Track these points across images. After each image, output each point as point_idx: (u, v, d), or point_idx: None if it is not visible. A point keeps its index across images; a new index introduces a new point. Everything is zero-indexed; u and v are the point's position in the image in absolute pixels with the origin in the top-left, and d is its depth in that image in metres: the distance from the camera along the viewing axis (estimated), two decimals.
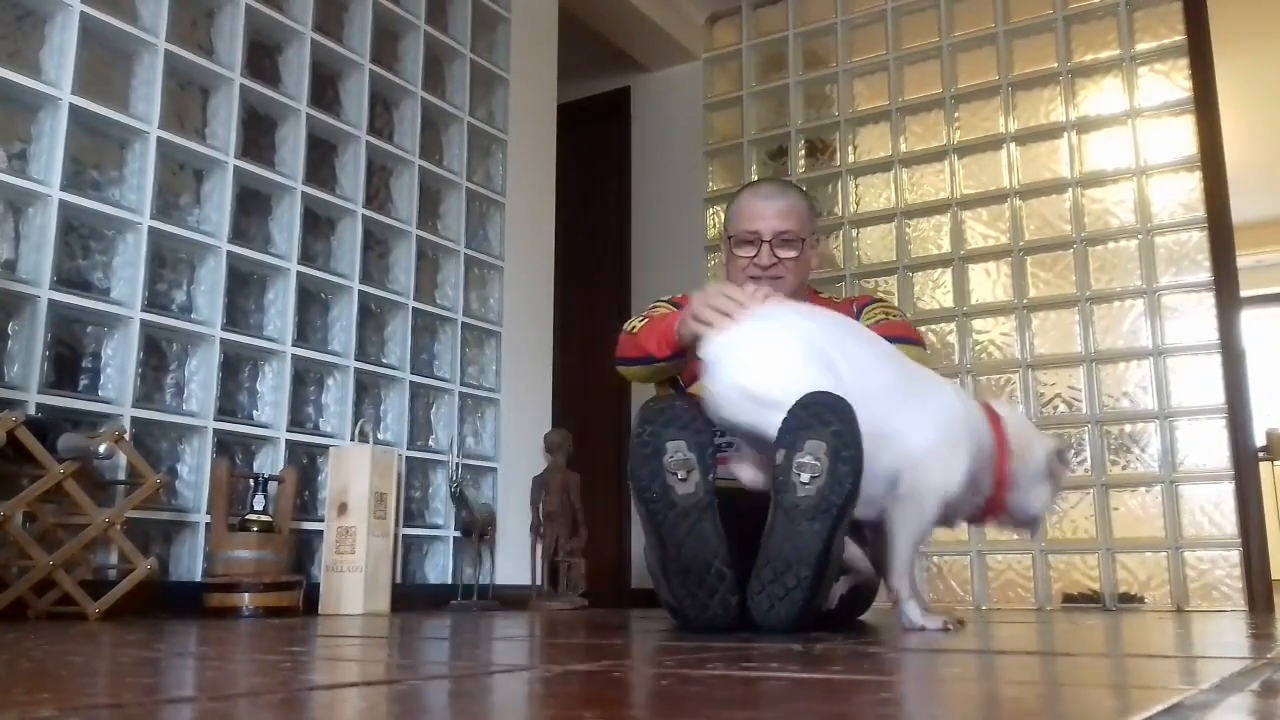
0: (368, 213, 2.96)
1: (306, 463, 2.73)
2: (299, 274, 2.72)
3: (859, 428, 1.51)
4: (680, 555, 1.52)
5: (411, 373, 3.03)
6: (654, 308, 2.09)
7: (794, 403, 1.56)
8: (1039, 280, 3.69)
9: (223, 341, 2.51)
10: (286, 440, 2.64)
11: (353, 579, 2.53)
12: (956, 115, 3.92)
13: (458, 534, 3.07)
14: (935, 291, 3.86)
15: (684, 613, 1.55)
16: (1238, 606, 3.25)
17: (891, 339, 1.88)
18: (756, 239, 2.05)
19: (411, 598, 2.84)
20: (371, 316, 2.97)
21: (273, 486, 2.46)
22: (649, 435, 1.54)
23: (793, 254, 2.05)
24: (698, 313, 1.70)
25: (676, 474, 1.53)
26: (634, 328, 1.99)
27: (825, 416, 1.50)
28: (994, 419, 1.74)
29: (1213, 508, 3.35)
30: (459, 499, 2.95)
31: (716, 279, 3.52)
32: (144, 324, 2.35)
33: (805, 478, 1.48)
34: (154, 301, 2.40)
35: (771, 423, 1.54)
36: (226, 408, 2.53)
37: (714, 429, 1.64)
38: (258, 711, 0.65)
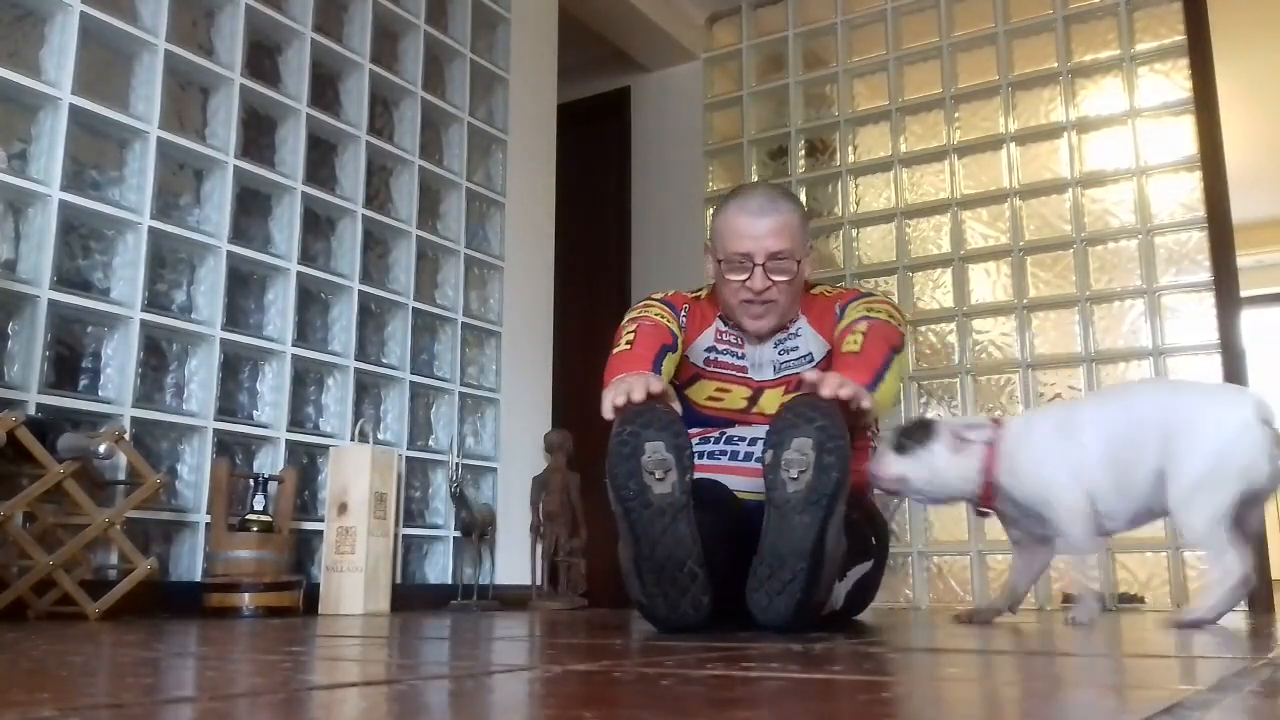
0: (368, 213, 2.96)
1: (306, 463, 2.72)
2: (299, 274, 2.72)
3: (843, 422, 1.54)
4: (654, 554, 1.53)
5: (411, 373, 3.03)
6: (646, 306, 2.03)
7: (781, 405, 1.58)
8: (1039, 280, 3.69)
9: (223, 341, 2.51)
10: (286, 440, 2.64)
11: (353, 579, 2.53)
12: (956, 115, 3.92)
13: (458, 534, 3.07)
14: (935, 291, 3.86)
15: (655, 610, 1.55)
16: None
17: (873, 352, 1.84)
18: (748, 262, 1.91)
19: (411, 598, 2.84)
20: (371, 316, 2.97)
21: (273, 486, 2.46)
22: (628, 435, 1.55)
23: (786, 277, 1.92)
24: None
25: (654, 474, 1.54)
26: (619, 350, 1.91)
27: (809, 415, 1.53)
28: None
29: None
30: (459, 499, 2.95)
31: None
32: (144, 324, 2.35)
33: (794, 473, 1.51)
34: (154, 301, 2.40)
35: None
36: (226, 408, 2.53)
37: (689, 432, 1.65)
38: (258, 711, 0.65)
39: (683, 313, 2.05)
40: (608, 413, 1.64)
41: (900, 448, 1.90)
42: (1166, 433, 1.77)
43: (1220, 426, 1.74)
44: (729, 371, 2.02)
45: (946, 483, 1.91)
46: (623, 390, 1.64)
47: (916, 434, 1.90)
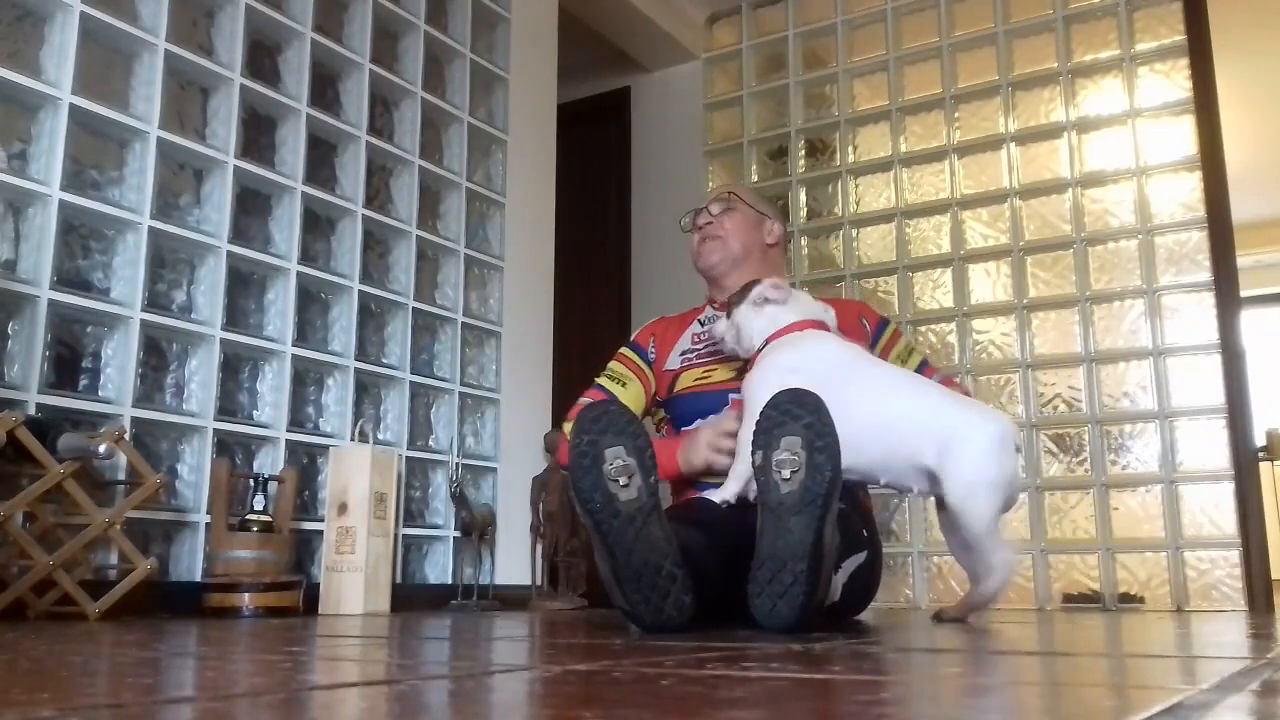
0: (368, 213, 2.96)
1: (306, 463, 2.72)
2: (299, 274, 2.72)
3: (830, 417, 1.53)
4: (630, 561, 1.51)
5: (411, 373, 3.03)
6: (617, 359, 2.26)
7: (764, 404, 1.58)
8: (1039, 280, 3.69)
9: (223, 341, 2.51)
10: (286, 440, 2.64)
11: (353, 579, 2.53)
12: (956, 115, 3.92)
13: (458, 534, 3.07)
14: (935, 291, 3.86)
15: (640, 617, 1.54)
16: (1238, 606, 3.25)
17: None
18: (699, 210, 2.30)
19: (411, 598, 2.84)
20: (371, 316, 2.97)
21: (273, 486, 2.46)
22: (586, 444, 1.52)
23: (725, 207, 2.24)
24: (712, 458, 1.92)
25: (618, 480, 1.51)
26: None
27: (795, 411, 1.52)
28: None
29: (1213, 508, 3.35)
30: (459, 499, 2.95)
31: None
32: (144, 324, 2.35)
33: (786, 474, 1.49)
34: (154, 301, 2.40)
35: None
36: (226, 408, 2.53)
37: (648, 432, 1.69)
38: (258, 711, 0.65)
39: (650, 349, 2.26)
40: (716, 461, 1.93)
41: (729, 310, 2.01)
42: (941, 438, 1.85)
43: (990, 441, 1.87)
44: (708, 359, 2.16)
45: (740, 340, 1.98)
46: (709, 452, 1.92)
47: (741, 297, 2.00)
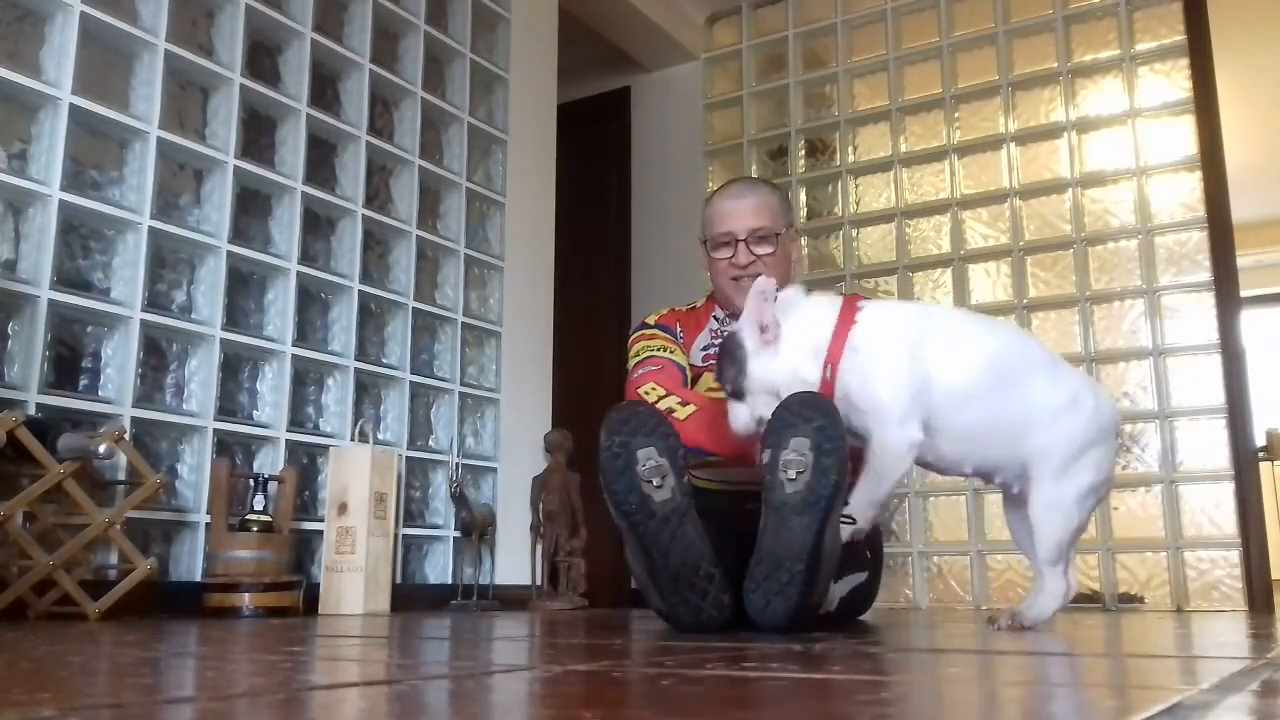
0: (368, 213, 2.95)
1: (306, 463, 2.72)
2: (299, 274, 2.72)
3: (841, 422, 1.52)
4: (668, 563, 1.52)
5: (411, 373, 3.03)
6: (649, 338, 2.08)
7: (779, 404, 1.56)
8: (1039, 280, 3.69)
9: (223, 341, 2.51)
10: (286, 440, 2.63)
11: (353, 579, 2.53)
12: (956, 115, 3.92)
13: (458, 534, 3.07)
14: (935, 291, 3.86)
15: (679, 619, 1.54)
16: (1238, 606, 3.25)
17: None
18: (731, 239, 2.05)
19: (411, 598, 2.84)
20: (371, 316, 2.97)
21: (273, 486, 2.46)
22: (618, 446, 1.53)
23: (769, 250, 2.05)
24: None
25: (652, 481, 1.52)
26: (675, 411, 1.86)
27: (807, 414, 1.52)
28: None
29: (1213, 508, 3.35)
30: (459, 499, 2.95)
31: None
32: (144, 324, 2.35)
33: (791, 474, 1.49)
34: (154, 301, 2.40)
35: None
36: (226, 408, 2.53)
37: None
38: (258, 711, 0.65)
39: (678, 331, 2.14)
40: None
41: (737, 391, 1.66)
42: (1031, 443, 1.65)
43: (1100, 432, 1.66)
44: None
45: (789, 386, 1.62)
46: None
47: (732, 366, 1.65)
